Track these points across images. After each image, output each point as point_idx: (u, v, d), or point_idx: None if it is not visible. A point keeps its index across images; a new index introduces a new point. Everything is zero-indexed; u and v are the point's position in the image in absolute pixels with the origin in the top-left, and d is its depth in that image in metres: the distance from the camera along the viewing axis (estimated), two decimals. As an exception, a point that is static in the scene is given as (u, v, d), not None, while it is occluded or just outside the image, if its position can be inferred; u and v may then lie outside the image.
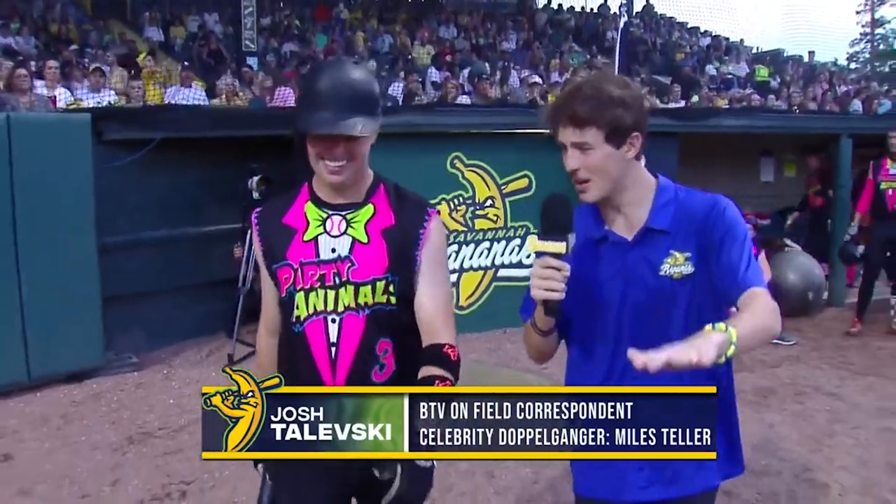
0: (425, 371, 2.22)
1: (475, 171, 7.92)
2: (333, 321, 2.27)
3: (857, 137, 9.54)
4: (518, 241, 8.07)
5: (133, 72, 14.95)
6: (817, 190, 9.73)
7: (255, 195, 7.02)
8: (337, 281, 2.27)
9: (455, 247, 7.82)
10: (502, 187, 8.02)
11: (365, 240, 2.29)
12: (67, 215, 6.34)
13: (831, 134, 9.54)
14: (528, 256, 7.89)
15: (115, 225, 6.75)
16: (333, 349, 2.27)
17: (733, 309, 2.16)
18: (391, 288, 2.28)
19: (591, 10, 30.04)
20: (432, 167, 7.64)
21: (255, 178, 7.03)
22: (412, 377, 2.26)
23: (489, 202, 8.00)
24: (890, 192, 7.90)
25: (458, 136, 7.87)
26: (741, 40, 30.31)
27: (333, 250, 2.28)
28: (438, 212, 2.35)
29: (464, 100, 12.56)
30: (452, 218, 7.77)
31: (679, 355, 1.74)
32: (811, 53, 29.28)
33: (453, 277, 7.87)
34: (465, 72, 17.34)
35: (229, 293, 7.28)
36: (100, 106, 8.43)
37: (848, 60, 50.51)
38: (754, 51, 29.90)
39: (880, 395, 6.14)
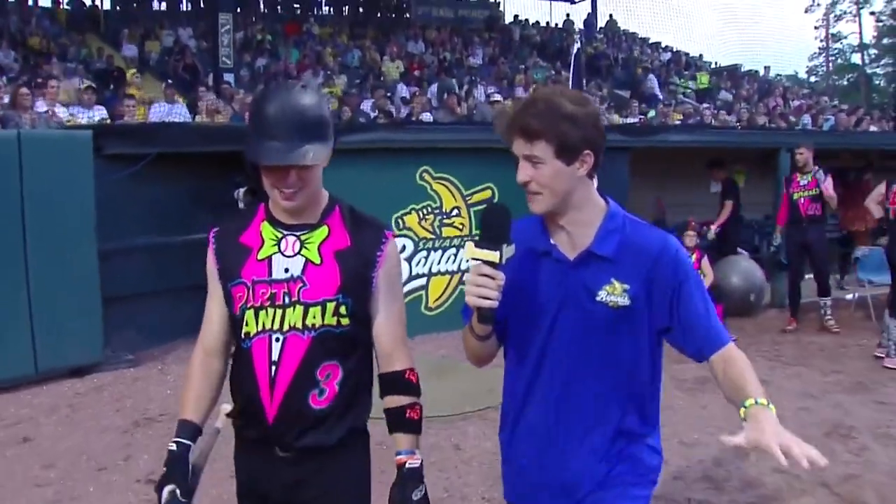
0: (392, 401, 2.32)
1: (442, 183, 8.61)
2: (277, 340, 2.27)
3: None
4: (482, 247, 8.73)
5: (112, 87, 15.48)
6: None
7: (241, 205, 7.66)
8: (287, 300, 2.27)
9: (424, 253, 8.51)
10: (467, 198, 8.72)
11: (318, 261, 2.30)
12: (71, 223, 6.92)
13: (771, 148, 10.33)
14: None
15: (113, 232, 7.32)
16: (274, 368, 2.27)
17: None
18: (342, 310, 2.28)
19: (556, 24, 30.81)
20: (403, 179, 8.33)
21: (242, 190, 7.67)
22: (357, 404, 2.34)
23: (455, 212, 8.69)
24: (802, 200, 8.76)
25: (427, 151, 8.56)
26: (700, 55, 31.32)
27: (286, 270, 2.29)
28: (395, 234, 2.38)
29: (430, 116, 13.29)
30: (422, 226, 8.46)
31: (782, 446, 1.84)
32: (767, 69, 30.32)
33: (423, 282, 8.55)
34: (434, 87, 17.98)
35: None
36: (100, 123, 9.02)
37: (807, 73, 51.97)
38: (713, 66, 30.86)
39: (804, 381, 6.90)
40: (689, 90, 24.56)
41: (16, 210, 6.64)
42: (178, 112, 10.97)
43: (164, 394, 6.61)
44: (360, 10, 28.66)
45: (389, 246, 2.33)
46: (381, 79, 19.41)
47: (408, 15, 27.89)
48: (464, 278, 2.27)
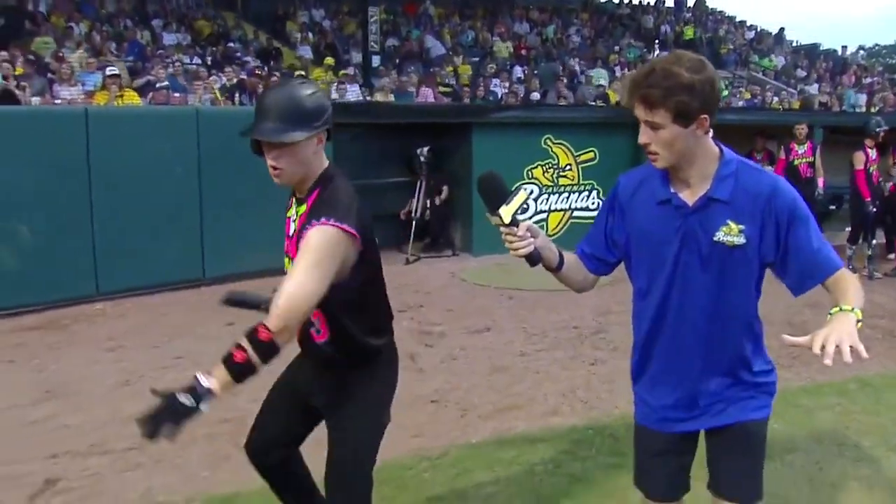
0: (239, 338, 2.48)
1: (560, 147, 12.07)
2: None
3: (829, 127, 13.46)
4: (586, 193, 12.35)
5: (272, 63, 18.18)
6: None
7: (422, 159, 11.25)
8: (290, 256, 2.71)
9: (545, 196, 12.00)
10: (577, 157, 12.23)
11: (295, 233, 2.71)
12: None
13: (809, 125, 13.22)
14: (593, 203, 12.17)
15: (341, 175, 10.91)
16: None
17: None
18: None
19: (648, 3, 32.65)
20: (532, 144, 11.81)
21: (425, 148, 11.20)
22: (346, 343, 2.79)
23: (568, 167, 12.19)
24: (801, 165, 11.59)
25: (549, 124, 12.08)
26: (782, 29, 32.83)
27: (291, 231, 2.75)
28: (330, 222, 2.55)
29: (538, 95, 16.68)
30: (544, 177, 11.97)
31: (841, 342, 2.06)
32: (844, 48, 32.29)
33: (544, 216, 11.99)
34: (540, 68, 20.92)
35: (398, 222, 11.59)
36: (331, 101, 12.58)
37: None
38: (794, 44, 32.91)
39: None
40: (767, 68, 26.93)
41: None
42: (354, 91, 14.41)
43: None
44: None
45: (313, 230, 2.55)
46: (494, 56, 22.09)
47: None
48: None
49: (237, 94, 11.76)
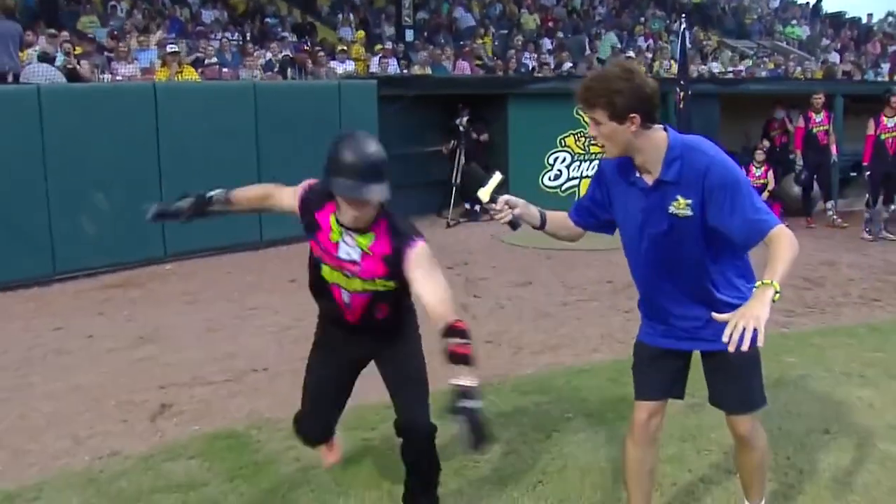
0: (449, 343, 2.81)
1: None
2: (346, 293, 3.28)
3: (851, 96, 13.91)
4: (616, 161, 12.85)
5: (309, 39, 18.69)
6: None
7: (461, 128, 11.95)
8: (349, 274, 3.20)
9: (577, 163, 12.69)
10: (607, 126, 12.78)
11: (370, 254, 3.14)
12: (364, 138, 11.21)
13: (829, 94, 13.72)
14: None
15: (386, 145, 11.54)
16: (347, 305, 3.32)
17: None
18: (388, 283, 3.19)
19: None
20: (565, 113, 12.22)
21: (466, 118, 11.91)
22: (404, 314, 3.45)
23: (599, 136, 12.75)
24: (819, 133, 12.06)
25: (580, 94, 12.64)
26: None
27: (348, 254, 3.16)
28: (422, 240, 3.13)
29: (569, 64, 17.16)
30: (577, 145, 12.71)
31: (747, 326, 2.44)
32: (870, 15, 32.26)
33: (576, 182, 12.68)
34: (567, 40, 21.28)
35: (440, 189, 12.26)
36: (381, 74, 13.24)
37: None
38: (821, 14, 32.86)
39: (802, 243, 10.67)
40: (792, 38, 27.17)
41: (336, 128, 10.95)
42: (394, 65, 14.99)
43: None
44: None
45: (415, 249, 3.09)
46: (521, 28, 22.43)
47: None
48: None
49: (289, 70, 12.41)
